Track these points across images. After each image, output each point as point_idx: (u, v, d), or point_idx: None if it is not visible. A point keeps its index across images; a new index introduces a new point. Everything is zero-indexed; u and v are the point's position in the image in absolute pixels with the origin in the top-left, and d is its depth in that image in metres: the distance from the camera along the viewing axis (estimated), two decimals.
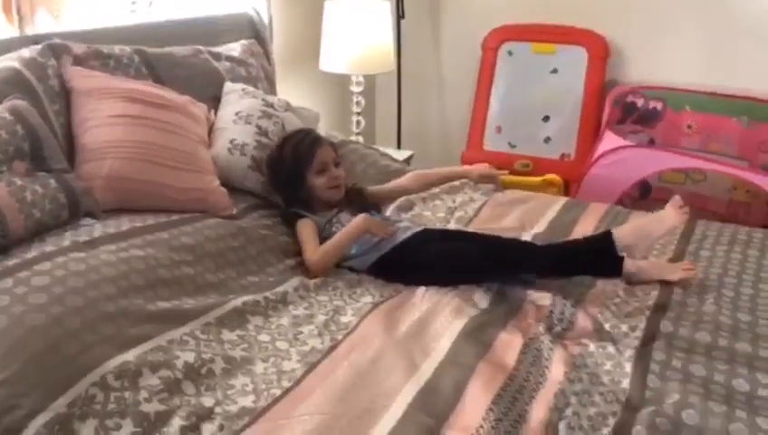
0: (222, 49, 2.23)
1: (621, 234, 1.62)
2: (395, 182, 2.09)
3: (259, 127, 1.95)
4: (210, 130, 1.94)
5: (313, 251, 1.70)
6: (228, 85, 2.09)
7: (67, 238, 1.45)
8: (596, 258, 1.64)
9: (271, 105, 2.03)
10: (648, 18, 2.92)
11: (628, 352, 1.37)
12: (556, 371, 1.32)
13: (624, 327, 1.48)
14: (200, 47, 2.14)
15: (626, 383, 1.29)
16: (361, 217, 1.75)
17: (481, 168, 2.10)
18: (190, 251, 1.55)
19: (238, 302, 1.48)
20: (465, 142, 3.21)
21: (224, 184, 1.82)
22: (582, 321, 1.51)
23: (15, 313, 1.21)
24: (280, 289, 1.57)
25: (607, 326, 1.48)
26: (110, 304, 1.31)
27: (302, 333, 1.44)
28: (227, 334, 1.39)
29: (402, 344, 1.38)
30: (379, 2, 2.79)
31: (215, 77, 2.10)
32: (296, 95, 2.49)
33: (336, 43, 2.68)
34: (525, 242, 1.77)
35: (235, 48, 2.29)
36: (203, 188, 1.75)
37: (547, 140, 3.13)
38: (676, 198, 1.68)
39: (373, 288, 1.63)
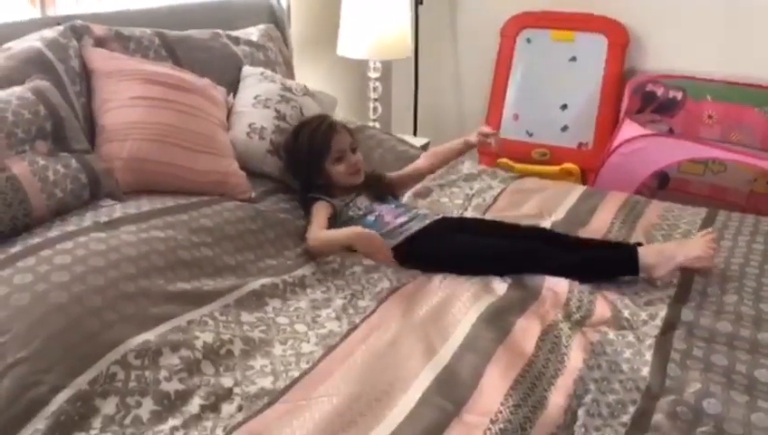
0: (240, 33, 2.23)
1: (645, 252, 1.60)
2: (411, 166, 2.07)
3: (278, 111, 1.95)
4: (229, 114, 1.94)
5: (315, 230, 1.70)
6: (247, 69, 2.09)
7: (88, 218, 1.46)
8: (615, 268, 1.63)
9: (289, 89, 2.03)
10: (667, 5, 2.88)
11: (649, 341, 1.36)
12: (575, 358, 1.32)
13: (644, 315, 1.47)
14: (219, 31, 2.14)
15: (646, 371, 1.28)
16: (365, 232, 1.67)
17: (478, 130, 2.00)
18: (209, 233, 1.56)
19: (257, 284, 1.49)
20: None
21: (242, 167, 1.83)
22: (601, 308, 1.50)
23: (38, 290, 1.22)
24: (298, 273, 1.58)
25: (626, 313, 1.48)
26: (131, 284, 1.32)
27: (320, 316, 1.44)
28: (246, 316, 1.40)
29: (420, 329, 1.38)
30: None
31: (233, 61, 2.10)
32: (313, 80, 2.48)
33: (354, 28, 2.66)
34: (548, 238, 1.74)
35: (253, 32, 2.28)
36: (222, 170, 1.75)
37: (565, 128, 3.10)
38: (710, 231, 1.64)
39: (390, 274, 1.63)
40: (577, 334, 1.39)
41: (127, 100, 1.67)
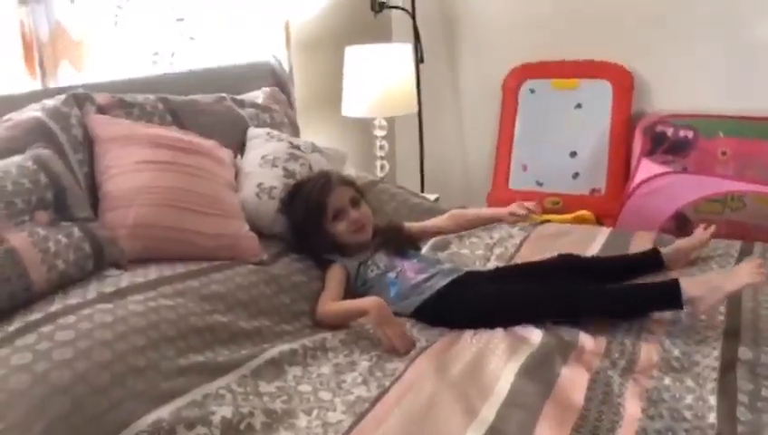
0: (245, 96, 2.20)
1: (689, 286, 1.47)
2: (432, 221, 1.96)
3: (286, 169, 1.89)
4: (236, 176, 1.87)
5: (326, 300, 1.59)
6: (253, 130, 2.04)
7: (92, 290, 1.36)
8: (658, 304, 1.52)
9: (297, 147, 1.98)
10: (669, 46, 2.88)
11: (710, 384, 1.24)
12: (632, 407, 1.20)
13: (696, 356, 1.36)
14: (224, 94, 2.11)
15: (712, 418, 1.15)
16: (382, 308, 1.49)
17: (511, 207, 1.86)
18: (222, 299, 1.46)
19: (275, 352, 1.39)
20: (490, 183, 3.14)
21: (252, 229, 1.74)
22: (646, 351, 1.39)
23: (38, 371, 1.11)
24: (317, 336, 1.48)
25: (676, 353, 1.37)
26: (140, 357, 1.21)
27: (345, 381, 1.33)
28: (265, 386, 1.29)
29: (457, 387, 1.27)
30: (399, 46, 2.78)
31: (239, 123, 2.06)
32: (318, 140, 2.43)
33: (357, 87, 2.65)
34: (578, 267, 1.67)
35: (257, 95, 2.26)
36: (232, 233, 1.67)
37: (576, 175, 3.05)
38: (756, 258, 1.53)
39: (417, 332, 1.53)
40: (629, 382, 1.27)
41: (131, 165, 1.61)
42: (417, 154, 3.28)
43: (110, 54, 2.00)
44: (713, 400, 1.20)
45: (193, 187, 1.64)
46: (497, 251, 1.94)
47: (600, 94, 2.98)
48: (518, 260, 1.89)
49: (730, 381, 1.25)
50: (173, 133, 1.75)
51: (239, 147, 2.00)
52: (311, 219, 1.74)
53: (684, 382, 1.25)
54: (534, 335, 1.46)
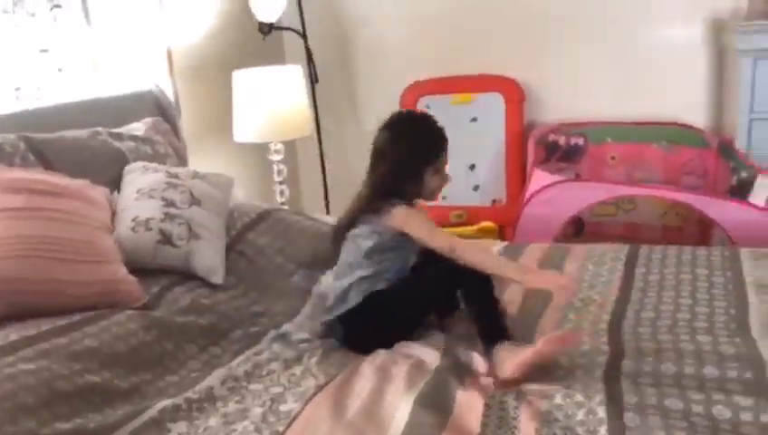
0: (123, 129, 2.07)
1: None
2: None
3: (165, 199, 1.77)
4: (113, 215, 1.75)
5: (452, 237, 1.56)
6: (129, 166, 1.92)
7: None
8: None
9: (175, 176, 1.87)
10: (556, 58, 2.98)
11: (598, 397, 1.24)
12: (526, 430, 1.18)
13: (579, 372, 1.36)
14: (99, 129, 1.98)
15: (603, 431, 1.16)
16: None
17: None
18: (94, 356, 1.35)
19: (154, 411, 1.27)
20: None
21: (133, 269, 1.62)
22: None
23: None
24: (204, 385, 1.38)
25: (562, 361, 1.38)
26: None
27: (235, 431, 1.25)
28: None
29: (354, 425, 1.21)
30: (289, 67, 2.72)
31: (116, 158, 1.93)
32: (212, 169, 2.33)
33: (248, 112, 2.57)
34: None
35: (138, 127, 2.14)
36: (107, 278, 1.55)
37: (476, 188, 3.10)
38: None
39: (316, 369, 1.45)
40: (523, 404, 1.26)
41: None
42: (320, 176, 3.22)
43: None
44: (602, 412, 1.20)
45: (59, 233, 1.51)
46: None
47: (493, 107, 3.03)
48: None
49: (616, 391, 1.25)
50: (35, 175, 1.61)
51: (118, 183, 1.87)
52: (425, 153, 1.64)
53: (574, 398, 1.25)
54: (431, 358, 1.44)
